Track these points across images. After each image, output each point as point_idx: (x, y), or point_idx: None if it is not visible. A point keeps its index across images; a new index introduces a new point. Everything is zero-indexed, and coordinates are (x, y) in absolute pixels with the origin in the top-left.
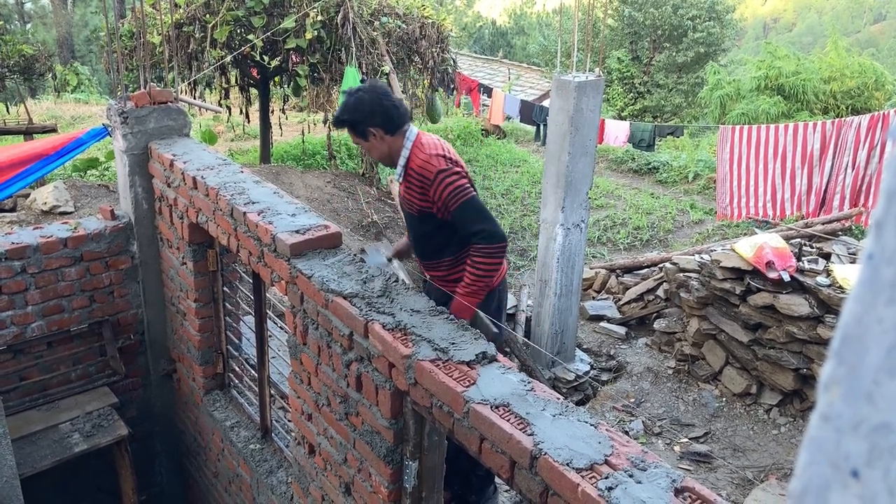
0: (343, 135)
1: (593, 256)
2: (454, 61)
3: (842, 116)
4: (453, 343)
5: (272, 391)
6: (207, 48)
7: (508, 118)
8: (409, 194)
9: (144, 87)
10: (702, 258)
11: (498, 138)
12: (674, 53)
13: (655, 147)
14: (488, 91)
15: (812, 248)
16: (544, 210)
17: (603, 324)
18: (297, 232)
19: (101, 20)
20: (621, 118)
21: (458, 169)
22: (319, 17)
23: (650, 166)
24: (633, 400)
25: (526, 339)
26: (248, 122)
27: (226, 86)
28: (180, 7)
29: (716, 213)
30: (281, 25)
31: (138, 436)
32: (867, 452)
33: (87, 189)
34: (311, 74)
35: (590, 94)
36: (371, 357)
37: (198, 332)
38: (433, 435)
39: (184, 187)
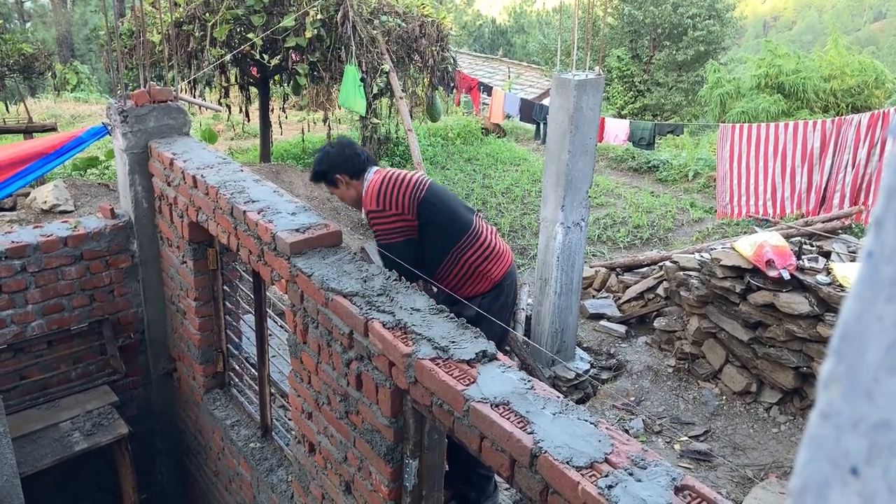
0: (343, 134)
1: (593, 255)
2: (454, 60)
3: (842, 115)
4: (453, 342)
5: (272, 390)
6: (207, 47)
7: (508, 117)
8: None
9: (144, 86)
10: (702, 256)
11: (498, 137)
12: (674, 52)
13: (655, 145)
14: (488, 89)
15: (812, 246)
16: (544, 208)
17: (603, 322)
18: (297, 230)
19: (100, 19)
20: (621, 116)
21: (390, 212)
22: (319, 16)
23: (650, 165)
24: (633, 398)
25: (526, 338)
26: (248, 120)
27: (226, 84)
28: (180, 6)
29: (716, 211)
30: (281, 24)
31: (139, 434)
32: (867, 450)
33: (86, 188)
34: (310, 73)
35: (590, 93)
36: (371, 356)
37: (198, 330)
38: (433, 433)
39: (184, 186)
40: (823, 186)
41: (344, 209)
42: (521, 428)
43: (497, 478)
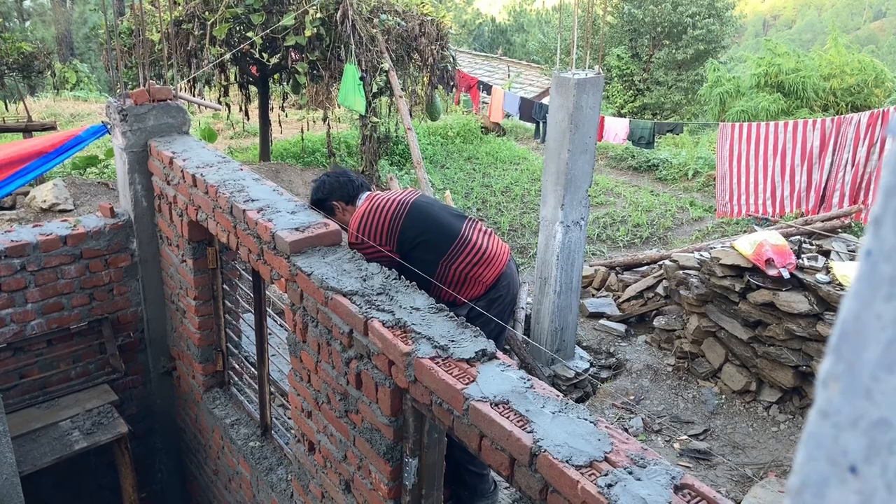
0: (343, 132)
1: (593, 254)
2: (454, 58)
3: (841, 113)
4: (453, 340)
5: (272, 389)
6: (207, 45)
7: (508, 115)
8: None
9: (144, 85)
10: (701, 255)
11: (497, 136)
12: (673, 50)
13: (655, 144)
14: (488, 88)
15: (811, 245)
16: (544, 207)
17: (602, 321)
18: (296, 229)
19: (100, 17)
20: (621, 115)
21: (367, 245)
22: (319, 15)
23: (650, 164)
24: (632, 397)
25: (526, 337)
26: (248, 119)
27: (225, 83)
28: (179, 4)
29: (715, 210)
30: (280, 23)
31: (138, 433)
32: (865, 448)
33: (86, 187)
34: (310, 72)
35: (589, 92)
36: (371, 355)
37: (197, 329)
38: (433, 432)
39: (183, 185)
40: (823, 185)
41: None
42: (520, 427)
43: (497, 477)
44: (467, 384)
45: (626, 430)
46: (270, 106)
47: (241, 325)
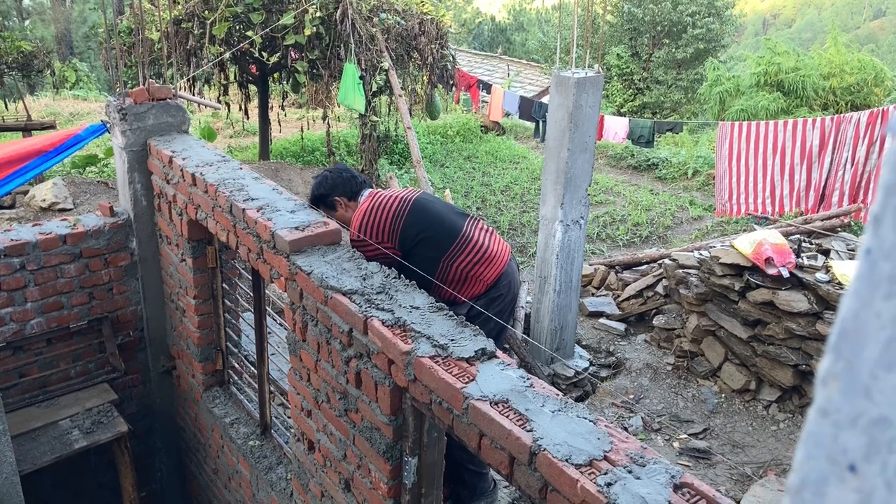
0: (342, 131)
1: (592, 253)
2: (453, 57)
3: (841, 112)
4: (453, 339)
5: (272, 388)
6: (206, 44)
7: (508, 114)
8: None
9: (143, 84)
10: (701, 254)
11: (497, 135)
12: (673, 50)
13: (655, 143)
14: (487, 87)
15: (811, 244)
16: (543, 207)
17: (602, 320)
18: (296, 228)
19: (99, 16)
20: (621, 114)
21: (370, 244)
22: (318, 14)
23: (649, 163)
24: (632, 396)
25: (525, 336)
26: (247, 118)
27: (225, 82)
28: (179, 3)
29: (715, 209)
30: (280, 22)
31: (138, 432)
32: (865, 447)
33: (85, 186)
34: (310, 71)
35: (589, 91)
36: (370, 354)
37: (197, 328)
38: (433, 431)
39: (183, 184)
40: (822, 184)
41: None
42: (520, 426)
43: (496, 475)
44: (467, 383)
45: (625, 428)
46: (270, 105)
47: (240, 323)
